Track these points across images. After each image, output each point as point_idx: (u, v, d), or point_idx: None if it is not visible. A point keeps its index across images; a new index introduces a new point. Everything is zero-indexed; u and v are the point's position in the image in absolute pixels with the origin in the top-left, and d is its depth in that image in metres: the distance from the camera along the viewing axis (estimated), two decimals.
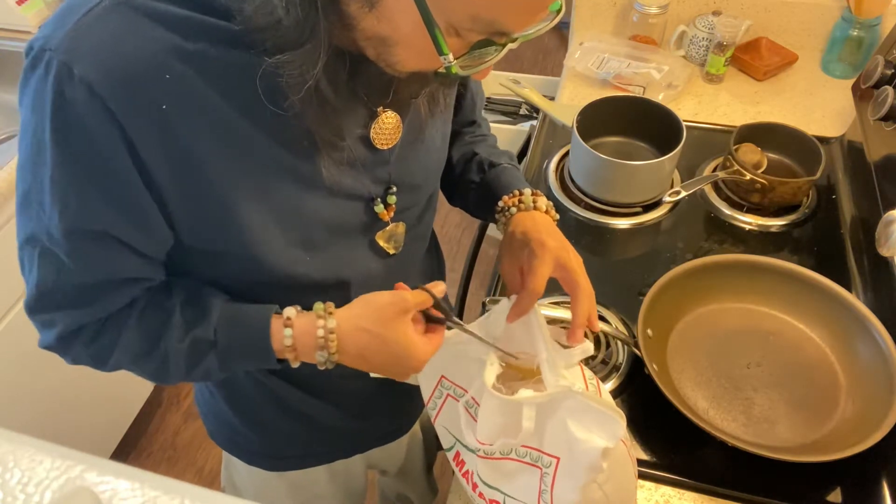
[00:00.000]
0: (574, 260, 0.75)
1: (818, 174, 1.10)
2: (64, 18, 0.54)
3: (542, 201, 0.82)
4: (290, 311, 0.66)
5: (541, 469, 0.65)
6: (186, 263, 0.67)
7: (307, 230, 0.66)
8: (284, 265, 0.66)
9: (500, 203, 0.82)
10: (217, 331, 0.65)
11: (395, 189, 0.71)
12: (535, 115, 1.83)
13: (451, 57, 0.51)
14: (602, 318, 0.98)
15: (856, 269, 1.05)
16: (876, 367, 0.86)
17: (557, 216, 0.82)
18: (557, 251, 0.74)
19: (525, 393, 0.64)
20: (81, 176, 0.56)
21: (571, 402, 0.63)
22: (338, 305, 0.69)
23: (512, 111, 1.92)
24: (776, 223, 1.14)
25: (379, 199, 0.70)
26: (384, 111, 0.66)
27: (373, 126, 0.66)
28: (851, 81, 1.23)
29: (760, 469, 0.81)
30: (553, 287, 1.04)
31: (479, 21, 0.49)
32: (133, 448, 1.87)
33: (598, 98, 1.20)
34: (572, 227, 1.16)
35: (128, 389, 1.77)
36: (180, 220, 0.60)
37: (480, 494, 0.70)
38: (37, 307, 0.64)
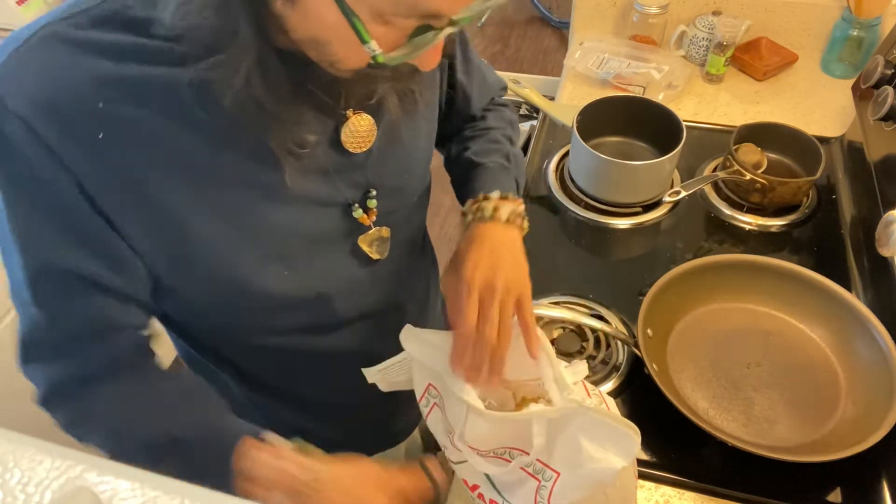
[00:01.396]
0: (496, 298, 0.67)
1: (818, 174, 1.10)
2: None
3: (506, 210, 0.74)
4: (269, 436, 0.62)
5: (539, 481, 0.64)
6: (161, 299, 0.64)
7: (282, 244, 0.64)
8: (263, 283, 0.64)
9: (463, 208, 0.77)
10: (179, 433, 0.62)
11: (374, 193, 0.69)
12: (535, 115, 1.83)
13: (374, 45, 0.48)
14: (602, 318, 0.98)
15: (856, 269, 1.05)
16: (876, 367, 0.86)
17: (526, 227, 0.76)
18: (482, 289, 0.67)
19: (535, 408, 0.63)
20: (34, 213, 0.55)
21: (584, 418, 0.61)
22: (324, 318, 0.67)
23: None
24: (776, 223, 1.14)
25: (357, 205, 0.68)
26: (355, 114, 0.63)
27: (343, 129, 0.63)
28: (851, 81, 1.23)
29: (760, 469, 0.81)
30: (553, 287, 1.04)
31: (401, 4, 0.46)
32: None
33: (598, 98, 1.20)
34: (572, 227, 1.16)
35: None
36: (144, 251, 0.58)
37: (480, 495, 0.70)
38: (21, 360, 0.63)
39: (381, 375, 0.73)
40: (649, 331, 0.91)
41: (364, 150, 0.66)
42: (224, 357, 0.77)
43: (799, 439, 0.84)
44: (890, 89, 1.05)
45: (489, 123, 0.89)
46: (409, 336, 0.69)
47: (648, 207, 1.17)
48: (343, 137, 0.64)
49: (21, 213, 0.55)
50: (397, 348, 0.70)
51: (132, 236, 0.57)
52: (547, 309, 0.94)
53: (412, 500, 0.64)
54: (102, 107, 0.52)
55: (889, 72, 1.10)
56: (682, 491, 0.82)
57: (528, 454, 0.63)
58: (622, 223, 1.16)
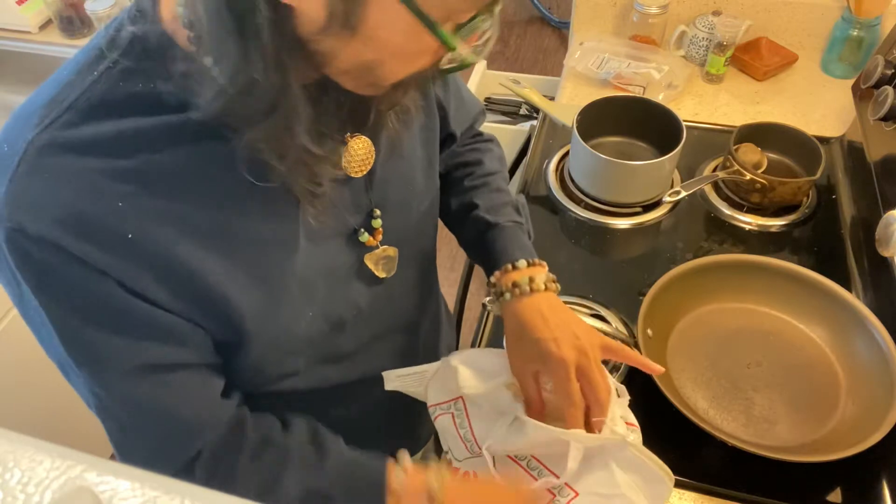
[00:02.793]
0: (592, 358, 0.68)
1: (818, 174, 1.10)
2: None
3: (541, 279, 0.73)
4: (404, 459, 0.63)
5: (554, 496, 0.64)
6: None
7: (306, 289, 0.63)
8: (295, 331, 0.64)
9: (492, 279, 0.76)
10: (332, 481, 0.62)
11: (378, 213, 0.68)
12: (535, 115, 1.83)
13: (461, 48, 0.48)
14: (602, 318, 0.98)
15: (856, 269, 1.05)
16: (876, 367, 0.86)
17: (559, 287, 0.75)
18: (578, 359, 0.67)
19: (578, 433, 0.62)
20: (90, 325, 0.53)
21: (623, 452, 0.61)
22: (341, 346, 0.68)
23: (512, 111, 1.92)
24: (776, 223, 1.14)
25: (362, 229, 0.67)
26: (352, 137, 0.62)
27: (344, 156, 0.62)
28: (851, 81, 1.23)
29: (760, 469, 0.81)
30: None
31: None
32: None
33: (598, 98, 1.20)
34: (572, 227, 1.16)
35: None
36: (196, 320, 0.57)
37: None
38: (127, 461, 0.59)
39: (400, 382, 0.73)
40: (649, 331, 0.91)
41: (364, 172, 0.64)
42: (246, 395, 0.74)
43: (799, 439, 0.84)
44: (890, 89, 1.05)
45: (487, 168, 0.85)
46: (462, 358, 0.69)
47: (648, 207, 1.17)
48: (344, 163, 0.62)
49: (76, 332, 0.53)
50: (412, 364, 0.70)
51: (183, 310, 0.56)
52: None
53: None
54: (122, 205, 0.50)
55: (889, 72, 1.10)
56: (682, 491, 0.82)
57: (556, 476, 0.63)
58: (622, 223, 1.16)
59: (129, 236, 0.51)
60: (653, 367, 0.73)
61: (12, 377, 1.40)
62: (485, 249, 0.79)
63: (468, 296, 1.14)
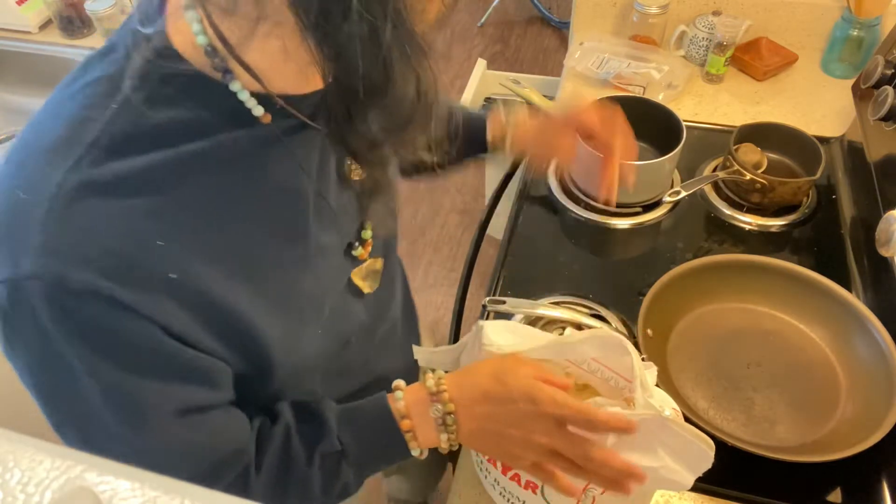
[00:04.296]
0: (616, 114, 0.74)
1: (818, 174, 1.10)
2: (12, 243, 0.46)
3: (520, 110, 0.86)
4: (398, 383, 0.63)
5: None
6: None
7: (315, 308, 0.62)
8: (309, 351, 0.63)
9: (489, 137, 0.86)
10: (342, 439, 0.61)
11: (368, 224, 0.66)
12: None
13: None
14: (602, 318, 0.98)
15: (856, 269, 1.05)
16: (876, 367, 0.86)
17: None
18: (601, 118, 0.80)
19: (613, 409, 0.61)
20: (134, 375, 0.50)
21: (661, 426, 0.61)
22: (348, 361, 0.67)
23: None
24: (776, 223, 1.14)
25: (356, 242, 0.66)
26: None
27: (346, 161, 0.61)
28: (851, 81, 1.22)
29: (760, 469, 0.81)
30: (553, 287, 1.04)
31: None
32: None
33: (598, 98, 1.20)
34: (572, 227, 1.16)
35: None
36: (225, 358, 0.56)
37: (515, 476, 0.69)
38: None
39: (430, 356, 0.72)
40: (649, 331, 0.91)
41: (361, 176, 0.63)
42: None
43: (799, 439, 0.84)
44: (890, 89, 1.05)
45: None
46: (495, 328, 0.68)
47: (648, 207, 1.17)
48: (347, 165, 0.61)
49: (121, 386, 0.50)
50: (401, 363, 0.70)
51: (216, 349, 0.54)
52: (547, 309, 0.94)
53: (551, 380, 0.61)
54: (161, 244, 0.48)
55: (889, 72, 1.10)
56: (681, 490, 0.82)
57: None
58: (622, 223, 1.16)
59: (172, 276, 0.49)
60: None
61: (12, 377, 1.39)
62: (472, 125, 0.87)
63: (468, 296, 1.14)
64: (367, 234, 0.67)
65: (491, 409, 0.60)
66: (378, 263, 0.70)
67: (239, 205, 0.53)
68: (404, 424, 0.61)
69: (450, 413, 0.60)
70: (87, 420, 0.52)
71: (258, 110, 0.51)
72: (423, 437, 0.61)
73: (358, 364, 0.74)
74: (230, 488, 0.58)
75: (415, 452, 0.62)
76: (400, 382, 0.63)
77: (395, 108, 0.49)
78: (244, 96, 0.50)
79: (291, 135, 0.55)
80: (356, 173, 0.63)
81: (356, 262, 0.68)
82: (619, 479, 0.59)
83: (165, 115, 0.48)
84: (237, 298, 0.53)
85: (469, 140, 0.86)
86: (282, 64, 0.49)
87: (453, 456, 0.89)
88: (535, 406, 0.58)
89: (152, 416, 0.53)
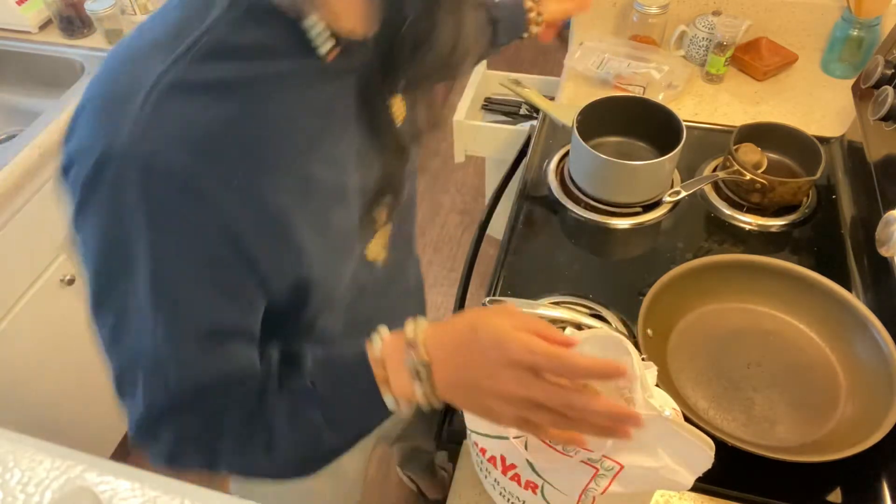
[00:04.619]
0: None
1: (818, 174, 1.10)
2: (110, 119, 0.50)
3: None
4: (381, 329, 0.61)
5: (597, 470, 0.64)
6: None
7: (346, 244, 0.66)
8: (338, 286, 0.65)
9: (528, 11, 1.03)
10: (315, 379, 0.59)
11: (389, 183, 0.69)
12: (535, 115, 1.83)
13: None
14: (602, 318, 0.98)
15: (856, 269, 1.05)
16: (876, 367, 0.86)
17: None
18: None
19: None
20: (187, 274, 0.53)
21: (662, 426, 0.61)
22: (362, 312, 0.68)
23: (512, 111, 1.92)
24: (776, 223, 1.14)
25: (375, 203, 0.68)
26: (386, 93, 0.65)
27: (390, 106, 0.65)
28: (851, 81, 1.22)
29: (760, 469, 0.81)
30: (553, 287, 1.04)
31: None
32: (133, 448, 1.86)
33: (598, 98, 1.20)
34: (572, 227, 1.16)
35: None
36: (268, 284, 0.58)
37: (515, 476, 0.69)
38: (146, 428, 0.58)
39: None
40: (649, 331, 0.91)
41: (401, 121, 0.67)
42: None
43: (799, 439, 0.84)
44: (890, 89, 1.05)
45: None
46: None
47: (648, 207, 1.17)
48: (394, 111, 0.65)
49: (173, 277, 0.53)
50: None
51: (262, 273, 0.56)
52: (547, 309, 0.94)
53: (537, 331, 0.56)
54: (243, 150, 0.52)
55: (889, 72, 1.10)
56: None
57: (590, 451, 0.63)
58: (622, 223, 1.16)
59: (244, 183, 0.52)
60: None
61: (12, 377, 1.40)
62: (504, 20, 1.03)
63: (468, 296, 1.14)
64: (387, 199, 0.70)
65: (463, 360, 0.57)
66: (387, 231, 0.74)
67: (302, 131, 0.57)
68: (378, 371, 0.58)
69: (424, 364, 0.57)
70: (126, 308, 0.54)
71: (325, 47, 0.56)
72: (397, 386, 0.58)
73: (368, 318, 0.72)
74: (213, 416, 0.58)
75: (388, 401, 0.58)
76: (383, 329, 0.61)
77: (440, 49, 0.55)
78: (315, 32, 0.55)
79: (349, 74, 0.60)
80: (399, 115, 0.66)
81: (372, 227, 0.71)
82: (610, 424, 0.55)
83: (250, 38, 0.53)
84: (294, 217, 0.56)
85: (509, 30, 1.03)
86: (347, 8, 0.55)
87: (453, 458, 0.89)
88: (505, 353, 0.54)
89: (189, 322, 0.54)
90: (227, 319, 0.57)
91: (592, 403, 0.54)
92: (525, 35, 1.06)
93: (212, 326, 0.56)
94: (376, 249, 0.72)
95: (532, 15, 1.04)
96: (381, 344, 0.59)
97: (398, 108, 0.66)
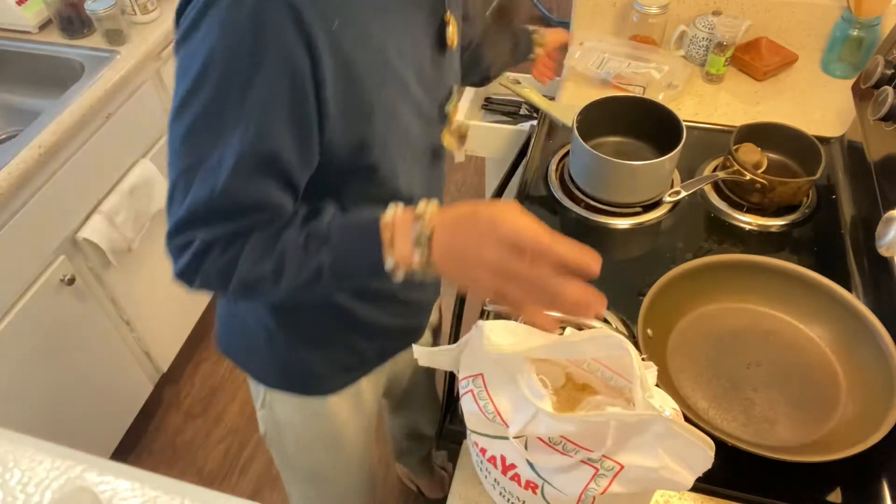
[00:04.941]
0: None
1: (818, 174, 1.10)
2: None
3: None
4: (397, 204, 0.68)
5: (597, 469, 0.64)
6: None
7: (407, 136, 0.74)
8: (390, 167, 0.73)
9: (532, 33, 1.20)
10: (330, 226, 0.67)
11: (454, 89, 0.81)
12: (535, 115, 1.83)
13: None
14: (602, 318, 0.98)
15: (856, 269, 1.05)
16: (876, 367, 0.86)
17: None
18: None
19: (613, 409, 0.62)
20: (273, 95, 0.60)
21: (662, 427, 0.61)
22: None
23: (512, 111, 1.92)
24: (776, 223, 1.14)
25: (447, 105, 0.81)
26: (448, 14, 0.75)
27: (447, 27, 0.75)
28: (851, 81, 1.23)
29: (760, 469, 0.81)
30: None
31: None
32: (133, 448, 1.87)
33: (598, 98, 1.20)
34: (572, 227, 1.16)
35: (128, 389, 1.77)
36: (332, 139, 0.66)
37: (515, 476, 0.69)
38: (182, 227, 0.65)
39: (430, 356, 0.73)
40: (649, 331, 0.91)
41: (454, 48, 0.78)
42: None
43: (799, 439, 0.84)
44: (890, 89, 1.05)
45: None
46: (495, 329, 0.68)
47: (648, 207, 1.17)
48: (448, 34, 0.76)
49: (262, 94, 0.60)
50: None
51: (331, 121, 0.65)
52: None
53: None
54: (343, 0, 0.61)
55: (889, 72, 1.10)
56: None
57: (590, 451, 0.63)
58: (622, 223, 1.16)
59: (342, 35, 0.61)
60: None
61: (12, 377, 1.40)
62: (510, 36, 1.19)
63: (468, 296, 1.14)
64: (454, 101, 0.82)
65: (459, 233, 0.63)
66: (465, 127, 0.86)
67: (384, 12, 0.66)
68: (385, 234, 0.65)
69: (427, 234, 0.63)
70: (206, 114, 0.61)
71: None
72: (399, 249, 0.64)
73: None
74: (241, 231, 0.66)
75: (388, 262, 0.65)
76: (399, 203, 0.68)
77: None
78: None
79: None
80: (452, 38, 0.77)
81: (444, 121, 0.81)
82: (579, 304, 0.62)
83: None
84: (370, 84, 0.65)
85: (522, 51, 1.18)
86: None
87: (453, 458, 0.89)
88: (495, 230, 0.60)
89: (256, 145, 0.61)
90: (286, 154, 0.63)
91: (566, 285, 0.61)
92: (532, 56, 1.21)
93: (271, 153, 0.63)
94: (451, 139, 0.84)
95: (536, 36, 1.19)
96: (394, 214, 0.66)
97: (452, 32, 0.76)
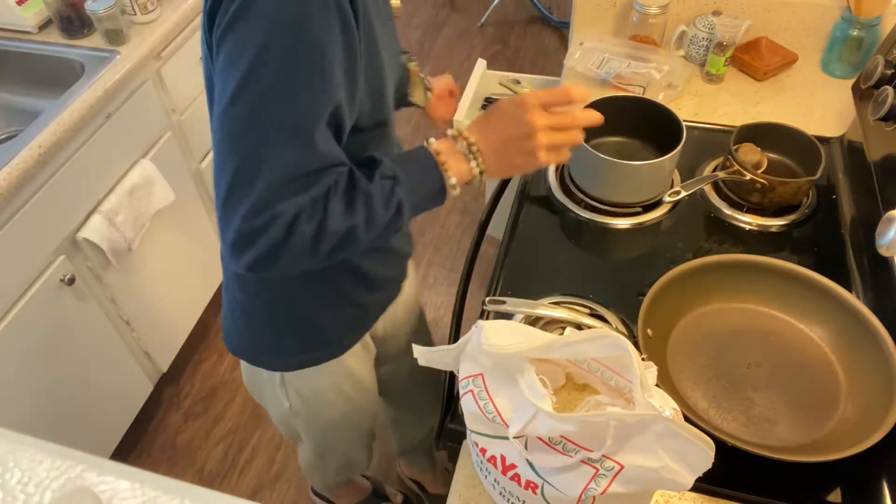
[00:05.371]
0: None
1: (818, 174, 1.10)
2: None
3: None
4: (429, 139, 0.80)
5: (597, 470, 0.64)
6: None
7: (388, 81, 0.81)
8: (392, 131, 0.85)
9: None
10: (393, 168, 0.75)
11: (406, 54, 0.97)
12: None
13: None
14: (602, 318, 0.98)
15: (856, 269, 1.05)
16: (876, 367, 0.86)
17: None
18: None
19: (613, 409, 0.62)
20: (336, 50, 0.65)
21: (662, 426, 0.61)
22: (386, 152, 0.86)
23: None
24: (776, 223, 1.14)
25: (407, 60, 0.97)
26: None
27: None
28: (851, 81, 1.23)
29: (760, 469, 0.81)
30: (553, 287, 1.04)
31: None
32: (133, 448, 1.87)
33: (598, 98, 1.20)
34: (572, 227, 1.16)
35: (128, 389, 1.77)
36: (362, 89, 0.73)
37: (515, 476, 0.69)
38: (263, 207, 0.66)
39: (430, 355, 0.73)
40: (649, 331, 0.91)
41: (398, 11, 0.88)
42: None
43: (799, 439, 0.84)
44: (890, 89, 1.05)
45: None
46: (495, 329, 0.68)
47: (648, 207, 1.17)
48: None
49: (325, 50, 0.64)
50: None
51: (361, 79, 0.71)
52: (547, 309, 0.94)
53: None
54: None
55: (889, 72, 1.10)
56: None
57: (590, 451, 0.63)
58: (622, 223, 1.16)
59: (365, 7, 0.69)
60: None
61: (12, 377, 1.40)
62: None
63: (468, 296, 1.14)
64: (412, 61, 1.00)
65: (496, 127, 0.79)
66: (428, 82, 1.03)
67: None
68: (439, 158, 0.77)
69: (472, 143, 0.78)
70: (266, 96, 0.64)
71: None
72: (455, 168, 0.77)
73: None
74: (325, 191, 0.69)
75: (451, 182, 0.77)
76: (430, 138, 0.80)
77: None
78: None
79: None
80: (396, 4, 0.85)
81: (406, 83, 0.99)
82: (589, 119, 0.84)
83: None
84: (378, 47, 0.74)
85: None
86: None
87: (453, 458, 0.89)
88: (522, 105, 0.79)
89: (317, 108, 0.66)
90: (343, 106, 0.69)
91: (582, 113, 0.84)
92: (423, 104, 1.14)
93: (337, 108, 0.68)
94: (419, 93, 0.99)
95: (425, 83, 1.13)
96: (435, 143, 0.78)
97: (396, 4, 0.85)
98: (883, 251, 0.91)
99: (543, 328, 0.97)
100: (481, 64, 1.95)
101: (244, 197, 0.66)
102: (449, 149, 0.78)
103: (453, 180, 0.77)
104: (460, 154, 0.78)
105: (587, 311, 0.99)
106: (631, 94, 1.34)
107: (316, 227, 0.68)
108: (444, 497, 0.84)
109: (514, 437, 0.66)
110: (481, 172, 0.79)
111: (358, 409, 1.16)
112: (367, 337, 1.08)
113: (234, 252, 0.68)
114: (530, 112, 0.78)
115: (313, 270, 0.82)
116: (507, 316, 0.98)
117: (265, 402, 1.16)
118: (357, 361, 1.08)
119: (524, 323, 0.92)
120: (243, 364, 1.09)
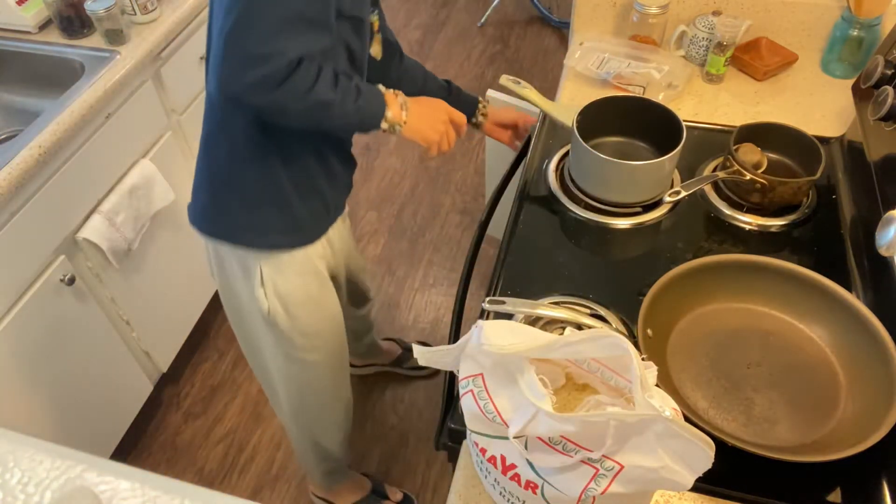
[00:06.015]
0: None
1: (818, 174, 1.10)
2: None
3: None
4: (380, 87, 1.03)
5: (597, 470, 0.64)
6: None
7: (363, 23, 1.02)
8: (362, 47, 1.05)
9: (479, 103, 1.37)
10: (361, 85, 0.97)
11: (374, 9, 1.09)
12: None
13: None
14: (602, 318, 0.98)
15: (856, 269, 1.05)
16: (876, 367, 0.86)
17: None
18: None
19: (613, 409, 0.62)
20: None
21: (662, 426, 0.61)
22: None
23: None
24: (776, 223, 1.14)
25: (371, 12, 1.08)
26: None
27: None
28: (851, 81, 1.23)
29: (760, 469, 0.81)
30: (553, 287, 1.04)
31: None
32: (133, 448, 1.87)
33: (598, 98, 1.20)
34: (572, 227, 1.16)
35: (128, 389, 1.77)
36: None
37: (515, 476, 0.69)
38: (273, 36, 0.82)
39: (430, 355, 0.74)
40: (649, 331, 0.91)
41: None
42: None
43: (799, 439, 0.84)
44: (890, 89, 1.05)
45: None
46: (495, 328, 0.68)
47: (648, 207, 1.17)
48: None
49: None
50: None
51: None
52: (547, 309, 0.94)
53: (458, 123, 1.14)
54: None
55: (889, 72, 1.10)
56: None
57: (590, 451, 0.63)
58: (622, 223, 1.16)
59: None
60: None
61: (12, 377, 1.40)
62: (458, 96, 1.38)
63: (468, 296, 1.14)
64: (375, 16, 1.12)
65: (426, 107, 1.09)
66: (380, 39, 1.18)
67: None
68: (386, 97, 1.01)
69: (407, 104, 1.04)
70: None
71: None
72: (392, 109, 1.01)
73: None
74: (315, 61, 0.88)
75: (388, 115, 1.01)
76: (380, 85, 1.04)
77: None
78: None
79: None
80: None
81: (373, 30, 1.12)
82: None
83: None
84: None
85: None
86: None
87: (453, 458, 0.89)
88: (446, 110, 1.12)
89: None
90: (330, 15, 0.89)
91: (452, 135, 1.14)
92: (473, 121, 1.36)
93: (326, 17, 0.87)
94: (377, 48, 1.14)
95: (480, 106, 1.36)
96: (385, 90, 1.03)
97: None
98: (883, 251, 0.91)
99: (543, 328, 0.97)
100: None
101: (252, 28, 0.81)
102: (393, 98, 1.02)
103: (389, 114, 1.01)
104: (398, 104, 1.02)
105: (587, 311, 0.99)
106: (631, 94, 1.34)
107: (313, 79, 0.87)
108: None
109: (514, 437, 0.66)
110: (404, 122, 1.03)
111: (327, 316, 1.28)
112: (326, 243, 1.21)
113: (237, 70, 0.83)
114: (445, 115, 1.11)
115: (291, 146, 1.04)
116: (507, 316, 0.98)
117: (242, 320, 1.24)
118: (321, 264, 1.21)
119: (524, 323, 0.92)
120: (221, 283, 1.20)
